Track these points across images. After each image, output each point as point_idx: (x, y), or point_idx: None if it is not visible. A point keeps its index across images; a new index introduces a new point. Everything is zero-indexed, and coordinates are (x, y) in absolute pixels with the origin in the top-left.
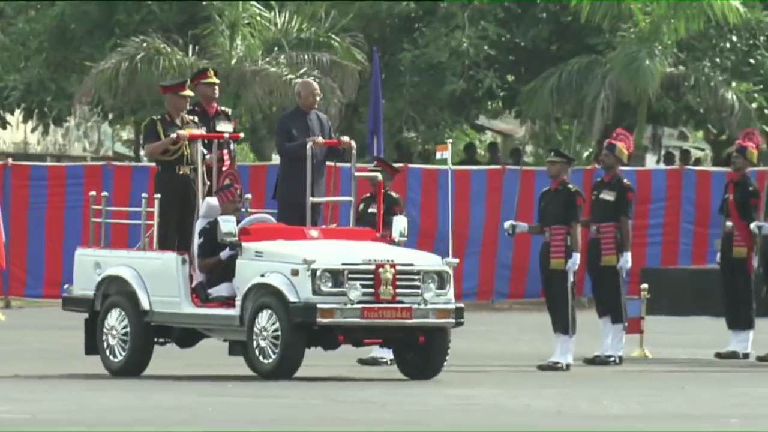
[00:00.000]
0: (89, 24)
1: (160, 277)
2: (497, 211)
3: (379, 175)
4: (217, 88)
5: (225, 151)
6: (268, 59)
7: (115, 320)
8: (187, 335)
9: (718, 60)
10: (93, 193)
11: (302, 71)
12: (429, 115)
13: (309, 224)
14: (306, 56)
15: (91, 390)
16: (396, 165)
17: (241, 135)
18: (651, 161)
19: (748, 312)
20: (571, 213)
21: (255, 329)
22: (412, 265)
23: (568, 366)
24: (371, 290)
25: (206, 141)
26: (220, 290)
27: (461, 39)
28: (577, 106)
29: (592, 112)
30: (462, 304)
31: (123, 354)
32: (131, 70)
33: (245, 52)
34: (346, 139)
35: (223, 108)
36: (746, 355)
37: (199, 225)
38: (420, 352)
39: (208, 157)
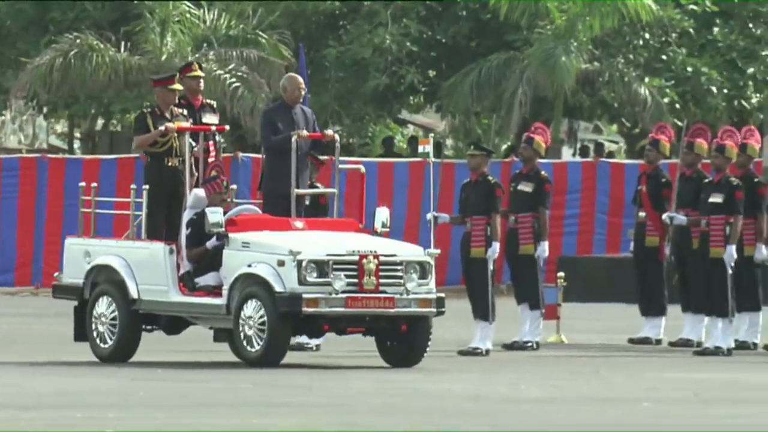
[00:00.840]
0: (24, 21)
1: (148, 267)
2: (419, 203)
3: (362, 168)
4: (202, 81)
5: (211, 143)
6: (197, 55)
7: (104, 308)
8: (174, 323)
9: (631, 56)
10: (82, 184)
11: (231, 67)
12: (353, 109)
13: (294, 215)
14: (234, 52)
15: (32, 375)
16: (322, 158)
17: (227, 127)
18: (567, 154)
19: (661, 299)
20: (490, 204)
21: (241, 318)
22: (394, 255)
23: (487, 351)
24: (355, 280)
25: (193, 133)
26: (207, 279)
27: (384, 36)
28: (496, 101)
29: (511, 107)
30: (443, 294)
31: (111, 341)
32: (65, 65)
33: (175, 49)
34: (329, 132)
35: (208, 100)
36: (658, 341)
37: (186, 216)
38: (402, 341)
39: (195, 148)
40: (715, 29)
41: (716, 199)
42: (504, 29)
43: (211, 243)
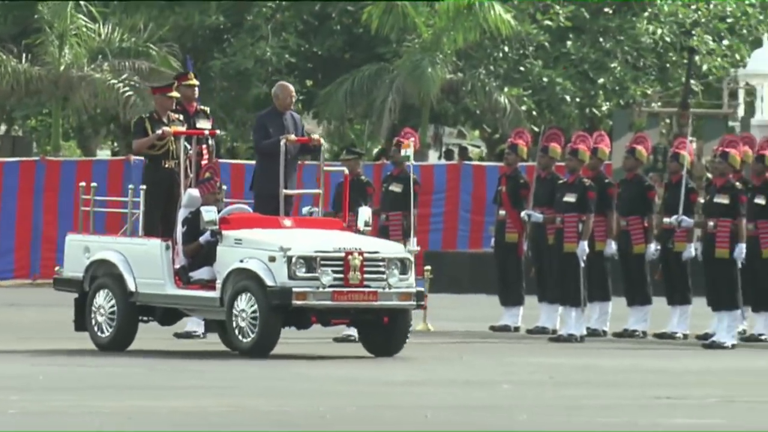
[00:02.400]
0: None
1: (145, 261)
2: (298, 200)
3: (346, 169)
4: (196, 89)
5: (204, 147)
6: (93, 66)
7: (103, 300)
8: (168, 314)
9: (492, 68)
10: (83, 183)
11: (124, 77)
12: (237, 116)
13: (282, 214)
14: (127, 63)
15: None
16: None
17: (218, 131)
18: (433, 157)
19: (519, 290)
20: (363, 200)
21: (234, 310)
22: (377, 252)
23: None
24: (341, 275)
25: (188, 137)
26: (201, 273)
27: (265, 48)
28: (368, 108)
29: (381, 113)
30: (422, 288)
31: (110, 330)
32: None
33: (73, 60)
34: (316, 137)
35: (202, 107)
36: (516, 328)
37: (181, 214)
38: (384, 332)
39: (190, 151)
40: (569, 43)
41: (570, 198)
42: (375, 42)
43: (204, 238)
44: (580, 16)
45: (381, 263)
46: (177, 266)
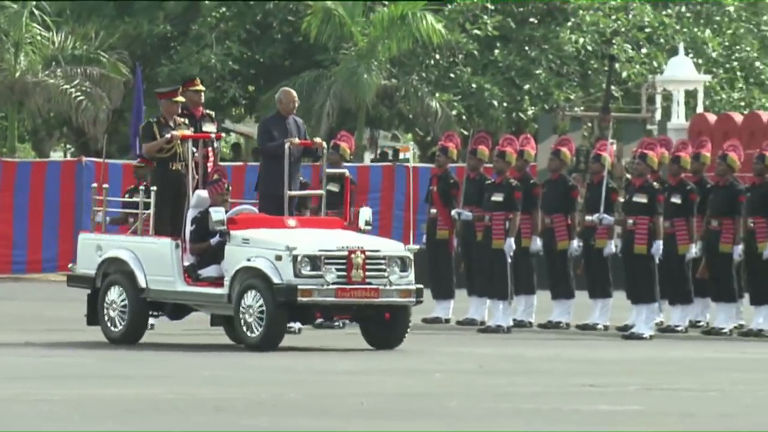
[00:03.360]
0: None
1: (155, 259)
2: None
3: (347, 172)
4: (202, 94)
5: (210, 149)
6: (47, 72)
7: (115, 296)
8: (177, 310)
9: (424, 74)
10: (94, 185)
11: (76, 82)
12: None
13: (287, 214)
14: (79, 70)
15: None
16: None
17: (223, 135)
18: (368, 158)
19: (450, 284)
20: (302, 200)
21: (242, 306)
22: (379, 251)
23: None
24: (344, 273)
25: (194, 140)
26: (209, 271)
27: (210, 56)
28: (307, 113)
29: (320, 118)
30: (421, 285)
31: (122, 325)
32: None
33: (28, 66)
34: (318, 140)
35: (207, 111)
36: (447, 320)
37: (190, 214)
38: (385, 327)
39: (196, 154)
40: (496, 51)
41: (497, 198)
42: (314, 50)
43: (214, 240)
44: (506, 26)
45: (382, 261)
46: (186, 264)
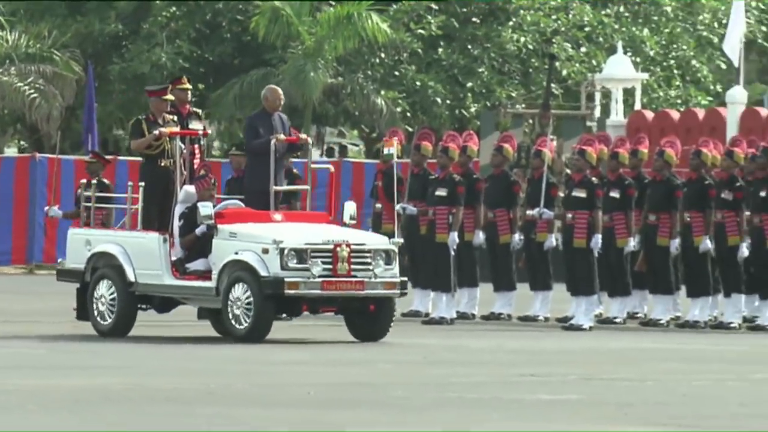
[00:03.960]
0: None
1: (144, 254)
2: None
3: (332, 167)
4: (189, 92)
5: (196, 146)
6: (0, 71)
7: (104, 290)
8: (165, 303)
9: (369, 72)
10: (84, 181)
11: (29, 80)
12: (134, 115)
13: (273, 209)
14: (32, 68)
15: None
16: (108, 157)
17: (210, 132)
18: (315, 154)
19: None
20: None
21: (230, 299)
22: (364, 244)
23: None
24: (330, 266)
25: (182, 137)
26: (197, 265)
27: (161, 54)
28: (255, 109)
29: None
30: (405, 278)
31: (111, 318)
32: None
33: None
34: (303, 136)
35: (194, 109)
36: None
37: (178, 209)
38: (369, 318)
39: (184, 151)
40: (440, 50)
41: (441, 192)
42: (262, 49)
43: (200, 230)
44: (450, 25)
45: (367, 254)
46: (174, 258)
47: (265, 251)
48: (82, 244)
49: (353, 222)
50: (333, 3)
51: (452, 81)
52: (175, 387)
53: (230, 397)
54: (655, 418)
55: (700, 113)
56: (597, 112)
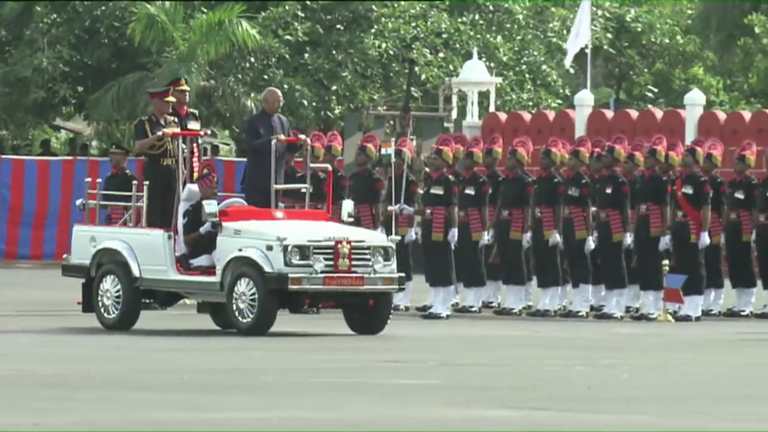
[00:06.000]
0: None
1: (148, 250)
2: (70, 192)
3: (329, 167)
4: (187, 94)
5: (195, 145)
6: None
7: (109, 284)
8: (167, 297)
9: (240, 76)
10: (88, 179)
11: None
12: (17, 117)
13: (273, 207)
14: None
15: None
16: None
17: (208, 132)
18: None
19: None
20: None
21: (234, 294)
22: (363, 241)
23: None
24: (331, 262)
25: (183, 137)
26: (201, 261)
27: (42, 59)
28: (132, 111)
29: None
30: (403, 273)
31: (116, 312)
32: None
33: None
34: (302, 137)
35: (191, 110)
36: None
37: (182, 207)
38: (368, 313)
39: (185, 151)
40: (306, 55)
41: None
42: (138, 54)
43: (204, 228)
44: (315, 31)
45: (367, 251)
46: (178, 254)
47: (269, 248)
48: (87, 240)
49: (351, 219)
50: (205, 10)
51: (318, 84)
52: (60, 373)
53: (109, 381)
54: (509, 402)
55: (551, 115)
56: (454, 114)
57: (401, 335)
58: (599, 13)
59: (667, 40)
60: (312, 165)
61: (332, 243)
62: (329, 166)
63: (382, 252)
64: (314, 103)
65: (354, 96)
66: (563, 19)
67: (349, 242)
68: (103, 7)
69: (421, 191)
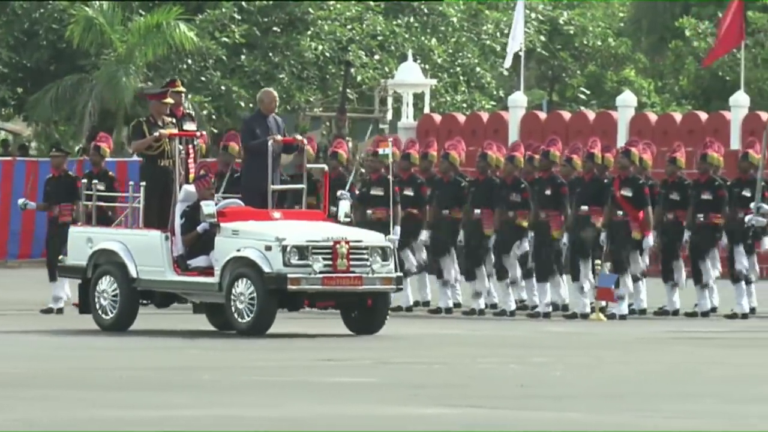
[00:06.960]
0: None
1: (146, 251)
2: (9, 192)
3: (326, 167)
4: (183, 95)
5: (191, 146)
6: None
7: (106, 285)
8: (164, 298)
9: (178, 78)
10: (84, 181)
11: None
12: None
13: (270, 207)
14: None
15: None
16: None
17: (205, 133)
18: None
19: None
20: (75, 193)
21: (233, 294)
22: (361, 241)
23: (60, 310)
24: (330, 263)
25: (180, 137)
26: (198, 261)
27: None
28: (71, 112)
29: (82, 117)
30: (401, 273)
31: (113, 313)
32: None
33: None
34: (299, 137)
35: (187, 111)
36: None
37: (179, 208)
38: (366, 312)
39: (182, 152)
40: (243, 57)
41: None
42: (77, 56)
43: (201, 227)
44: (252, 34)
45: (365, 251)
46: (175, 255)
47: (268, 248)
48: (83, 241)
49: (348, 220)
50: (143, 12)
51: (255, 86)
52: (2, 371)
53: (51, 379)
54: (445, 399)
55: (485, 116)
56: (389, 115)
57: (338, 334)
58: (533, 15)
59: (599, 43)
60: (308, 166)
61: (331, 243)
62: (325, 167)
63: (380, 252)
64: (251, 105)
65: (291, 98)
66: (497, 22)
67: (347, 242)
68: (42, 10)
69: (357, 191)
